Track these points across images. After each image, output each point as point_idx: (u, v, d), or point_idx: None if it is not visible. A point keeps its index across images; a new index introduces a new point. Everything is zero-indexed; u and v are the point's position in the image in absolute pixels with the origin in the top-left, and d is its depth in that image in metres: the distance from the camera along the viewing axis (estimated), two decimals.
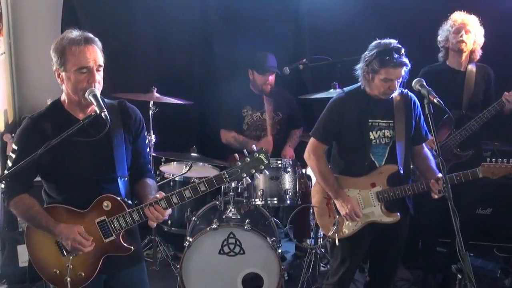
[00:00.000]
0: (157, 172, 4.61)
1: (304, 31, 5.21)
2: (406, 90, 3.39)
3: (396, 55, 3.15)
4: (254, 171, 2.48)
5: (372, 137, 3.31)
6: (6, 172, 2.49)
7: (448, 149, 3.99)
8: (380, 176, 3.32)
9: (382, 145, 3.34)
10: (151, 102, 4.45)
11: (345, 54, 4.26)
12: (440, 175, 3.22)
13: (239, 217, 3.92)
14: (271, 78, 4.77)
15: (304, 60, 4.51)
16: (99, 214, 2.59)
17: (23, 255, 4.10)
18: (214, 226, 3.77)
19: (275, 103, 4.84)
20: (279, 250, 3.93)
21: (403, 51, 3.20)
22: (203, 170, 4.63)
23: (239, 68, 4.97)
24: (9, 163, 2.56)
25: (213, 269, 3.85)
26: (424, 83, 2.92)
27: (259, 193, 4.11)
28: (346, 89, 3.49)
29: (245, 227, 3.76)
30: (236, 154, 2.51)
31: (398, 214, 3.33)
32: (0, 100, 4.55)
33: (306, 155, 3.47)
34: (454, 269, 2.63)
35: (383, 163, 3.34)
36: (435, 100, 2.80)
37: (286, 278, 3.92)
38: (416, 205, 3.47)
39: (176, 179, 4.43)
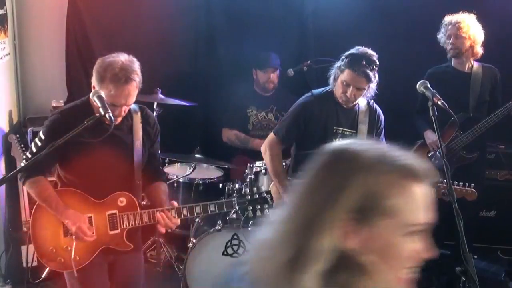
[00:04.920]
0: None
1: (308, 32, 5.20)
2: (372, 101, 3.39)
3: (364, 63, 3.12)
4: (258, 207, 2.82)
5: None
6: (28, 155, 2.69)
7: (454, 152, 3.99)
8: None
9: None
10: (155, 104, 4.45)
11: None
12: None
13: (242, 218, 3.92)
14: (273, 76, 4.77)
15: (309, 62, 4.51)
16: (112, 207, 2.71)
17: (27, 255, 4.10)
18: (218, 227, 3.78)
19: (279, 103, 4.84)
20: None
21: (374, 66, 3.16)
22: (207, 172, 4.63)
23: (243, 69, 4.97)
24: (33, 148, 2.67)
25: (216, 270, 3.85)
26: (428, 85, 2.92)
27: None
28: (315, 91, 3.46)
29: (249, 229, 3.76)
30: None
31: None
32: (5, 100, 4.56)
33: (262, 149, 3.50)
34: (458, 271, 2.62)
35: None
36: (439, 102, 2.80)
37: None
38: None
39: (180, 180, 4.43)
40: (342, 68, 3.19)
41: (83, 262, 2.70)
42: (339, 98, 3.26)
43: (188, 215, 2.77)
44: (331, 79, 3.31)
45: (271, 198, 2.84)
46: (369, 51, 3.22)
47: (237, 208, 2.82)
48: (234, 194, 3.97)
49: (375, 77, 3.18)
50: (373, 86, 3.21)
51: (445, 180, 3.21)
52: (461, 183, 3.28)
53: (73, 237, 2.67)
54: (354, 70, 3.14)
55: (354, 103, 3.31)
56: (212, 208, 2.79)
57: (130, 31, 4.96)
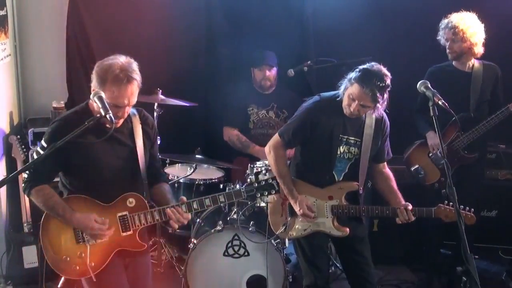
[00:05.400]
0: None
1: (309, 33, 5.19)
2: None
3: (375, 82, 3.06)
4: (266, 193, 2.86)
5: (338, 151, 3.30)
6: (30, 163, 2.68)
7: (455, 152, 3.98)
8: (340, 191, 3.34)
9: (345, 160, 3.34)
10: (156, 104, 4.45)
11: (350, 56, 4.26)
12: (410, 206, 3.25)
13: (243, 218, 3.92)
14: (269, 73, 4.76)
15: (309, 62, 4.50)
16: (122, 209, 2.73)
17: (28, 256, 4.11)
18: (219, 228, 3.78)
19: (280, 101, 4.84)
20: (284, 252, 3.93)
21: (384, 85, 3.09)
22: (208, 172, 4.63)
23: (243, 69, 4.97)
24: (36, 157, 2.64)
25: (217, 271, 3.85)
26: (429, 85, 2.91)
27: None
28: (323, 95, 3.41)
29: (250, 229, 3.76)
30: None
31: (347, 229, 3.34)
32: (6, 102, 4.56)
33: (266, 150, 3.48)
34: (459, 271, 2.61)
35: (341, 178, 3.35)
36: (440, 102, 2.79)
37: (291, 280, 3.92)
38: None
39: (181, 181, 4.43)
40: (352, 82, 3.15)
41: (99, 267, 2.71)
42: (343, 109, 3.23)
43: (199, 208, 2.79)
44: (341, 88, 3.26)
45: (277, 184, 2.87)
46: (384, 70, 3.14)
47: (245, 196, 2.83)
48: None
49: (382, 99, 3.10)
50: (380, 106, 3.14)
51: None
52: (461, 206, 3.23)
53: (86, 243, 2.68)
54: (362, 86, 3.08)
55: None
56: (222, 199, 2.82)
57: (131, 32, 4.96)
